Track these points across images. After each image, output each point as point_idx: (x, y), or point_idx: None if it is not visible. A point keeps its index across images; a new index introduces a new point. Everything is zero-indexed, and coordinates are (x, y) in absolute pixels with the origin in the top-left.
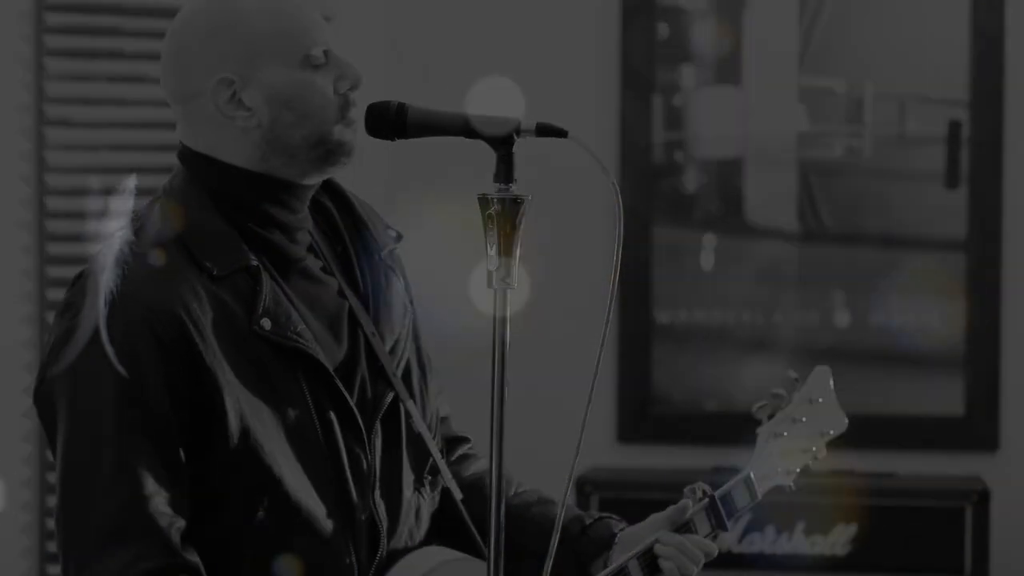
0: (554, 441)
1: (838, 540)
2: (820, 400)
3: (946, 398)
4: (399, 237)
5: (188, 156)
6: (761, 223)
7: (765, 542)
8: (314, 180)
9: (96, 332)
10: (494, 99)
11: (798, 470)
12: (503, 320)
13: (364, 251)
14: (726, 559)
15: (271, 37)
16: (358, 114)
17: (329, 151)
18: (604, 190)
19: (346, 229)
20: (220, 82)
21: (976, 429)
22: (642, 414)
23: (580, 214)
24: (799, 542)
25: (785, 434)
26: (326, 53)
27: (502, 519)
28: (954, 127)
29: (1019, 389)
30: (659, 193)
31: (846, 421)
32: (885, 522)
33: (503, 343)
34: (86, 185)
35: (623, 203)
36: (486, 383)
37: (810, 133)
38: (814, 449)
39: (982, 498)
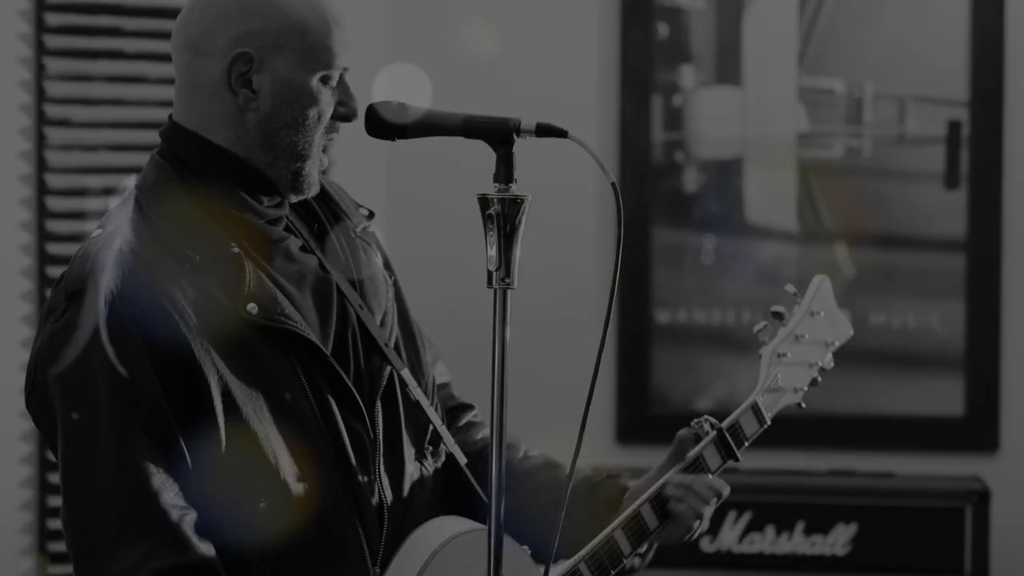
0: (554, 441)
1: (838, 540)
2: (821, 313)
3: (946, 398)
4: (371, 215)
5: (173, 133)
6: (761, 223)
7: (765, 542)
8: (276, 194)
9: (96, 331)
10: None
11: (806, 387)
12: (503, 320)
13: (340, 229)
14: (726, 559)
15: (306, 36)
16: (330, 156)
17: (301, 172)
18: (604, 190)
19: (319, 208)
20: (240, 55)
21: (976, 429)
22: (642, 414)
23: (580, 214)
24: (799, 542)
25: (788, 355)
26: (341, 76)
27: (502, 519)
28: (954, 127)
29: (1019, 389)
30: (659, 193)
31: (851, 330)
32: (885, 522)
33: (503, 343)
34: (86, 185)
35: (623, 203)
36: (486, 383)
37: (810, 133)
38: (820, 363)
39: (982, 498)
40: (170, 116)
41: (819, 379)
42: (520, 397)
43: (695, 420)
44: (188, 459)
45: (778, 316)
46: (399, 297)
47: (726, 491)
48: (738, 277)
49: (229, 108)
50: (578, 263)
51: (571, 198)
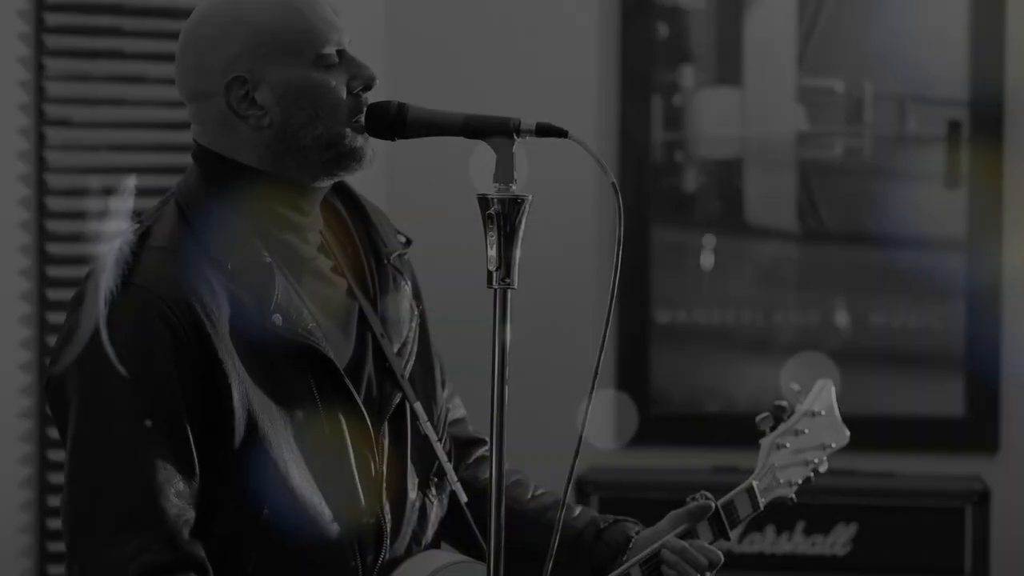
0: (554, 441)
1: (838, 540)
2: (822, 413)
3: (946, 399)
4: (408, 242)
5: (202, 155)
6: (761, 223)
7: (765, 542)
8: (324, 183)
9: (96, 330)
10: None
11: (800, 482)
12: (503, 320)
13: (373, 253)
14: (726, 559)
15: (282, 35)
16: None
17: (341, 155)
18: (604, 190)
19: (356, 231)
20: (233, 80)
21: (976, 430)
22: (642, 414)
23: (580, 214)
24: (799, 542)
25: (787, 445)
26: (339, 53)
27: (502, 519)
28: (954, 127)
29: (1019, 389)
30: (659, 193)
31: (848, 435)
32: (885, 522)
33: (503, 343)
34: (86, 185)
35: (623, 203)
36: (486, 383)
37: (810, 133)
38: (816, 461)
39: (982, 498)
40: (195, 140)
41: (813, 478)
42: (520, 397)
43: (691, 496)
44: (197, 457)
45: (780, 409)
46: (423, 329)
47: (721, 560)
48: (738, 277)
49: (246, 133)
50: (578, 263)
51: (571, 198)
